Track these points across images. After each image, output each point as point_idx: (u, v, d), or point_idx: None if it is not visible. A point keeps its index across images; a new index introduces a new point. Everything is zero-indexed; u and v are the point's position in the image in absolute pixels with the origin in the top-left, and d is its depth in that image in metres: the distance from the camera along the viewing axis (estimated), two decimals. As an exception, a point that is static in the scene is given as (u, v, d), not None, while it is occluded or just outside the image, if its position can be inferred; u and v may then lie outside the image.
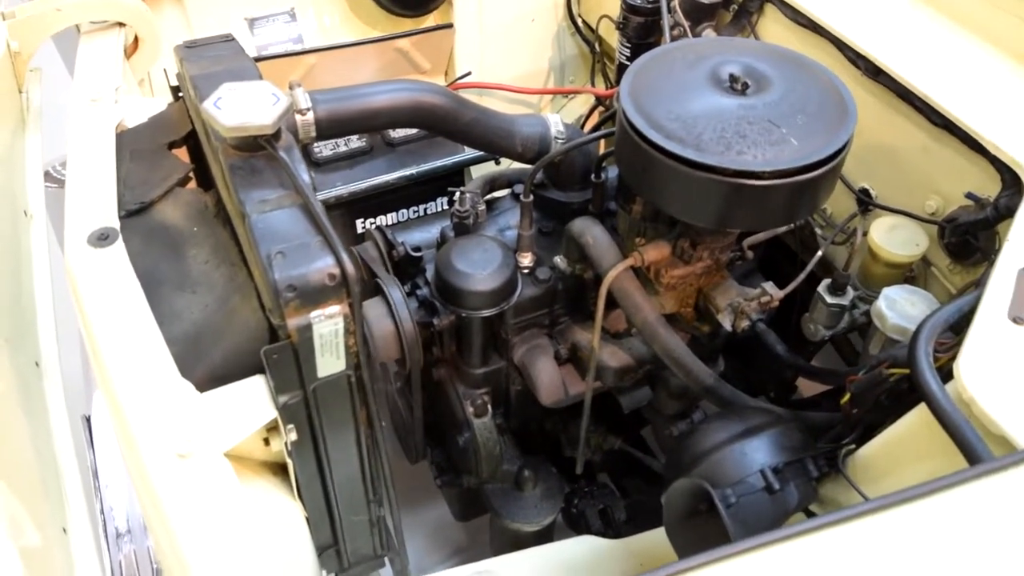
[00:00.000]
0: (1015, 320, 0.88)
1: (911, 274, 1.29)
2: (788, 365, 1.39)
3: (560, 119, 1.40)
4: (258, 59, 1.91)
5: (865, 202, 1.35)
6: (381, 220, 1.95)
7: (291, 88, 1.16)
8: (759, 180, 0.97)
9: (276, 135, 1.07)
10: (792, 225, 1.34)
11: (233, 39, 1.34)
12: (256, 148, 1.07)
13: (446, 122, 1.27)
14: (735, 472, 1.04)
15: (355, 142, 1.93)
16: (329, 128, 1.18)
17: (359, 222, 1.94)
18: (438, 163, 1.88)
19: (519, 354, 1.46)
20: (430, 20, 2.04)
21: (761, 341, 1.44)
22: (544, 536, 1.64)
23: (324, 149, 1.92)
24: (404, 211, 1.96)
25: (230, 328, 1.10)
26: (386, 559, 1.51)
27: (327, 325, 1.02)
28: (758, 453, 1.05)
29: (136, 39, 1.69)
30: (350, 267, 0.99)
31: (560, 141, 1.38)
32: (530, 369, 1.44)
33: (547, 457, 1.66)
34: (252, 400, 1.04)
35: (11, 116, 1.58)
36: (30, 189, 1.50)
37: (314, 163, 1.92)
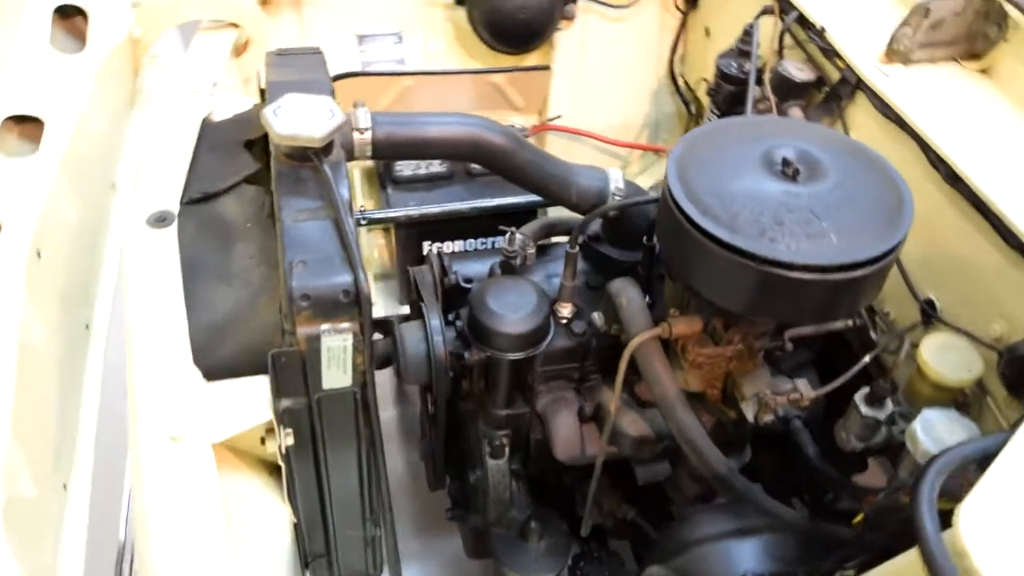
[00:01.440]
0: (1038, 472, 0.80)
1: (964, 399, 1.20)
2: (816, 469, 1.31)
3: (622, 176, 1.38)
4: (360, 74, 1.99)
5: (928, 314, 1.27)
6: (448, 246, 1.98)
7: (354, 107, 1.20)
8: (787, 271, 0.93)
9: (327, 149, 1.11)
10: (841, 323, 1.27)
11: (320, 52, 1.40)
12: (306, 159, 1.10)
13: (502, 160, 1.28)
14: (715, 570, 0.99)
15: (436, 166, 1.98)
16: (385, 150, 1.21)
17: (426, 244, 1.98)
18: (512, 200, 1.90)
19: (542, 403, 1.44)
20: (531, 59, 2.07)
21: (794, 440, 1.36)
22: (548, 590, 1.60)
23: (406, 169, 1.98)
24: (472, 241, 1.99)
25: (251, 325, 1.13)
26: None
27: (336, 339, 1.04)
28: (744, 556, 1.00)
29: (247, 41, 1.78)
30: (365, 288, 1.01)
31: (617, 198, 1.37)
32: (550, 421, 1.42)
33: (561, 513, 1.63)
34: (253, 398, 1.07)
35: (123, 96, 1.69)
36: (122, 164, 1.60)
37: (393, 180, 1.98)
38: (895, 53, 1.32)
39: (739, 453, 1.39)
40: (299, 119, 1.07)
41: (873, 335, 1.32)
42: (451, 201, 1.90)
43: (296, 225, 1.05)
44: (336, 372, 1.08)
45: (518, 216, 1.89)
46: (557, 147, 2.16)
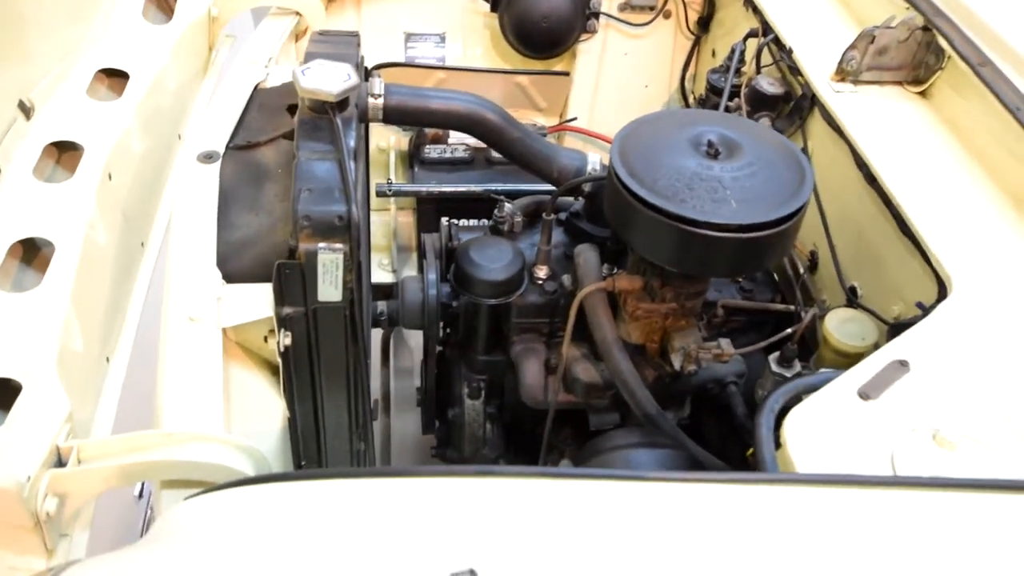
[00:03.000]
0: (861, 395, 0.99)
1: (869, 369, 1.36)
2: (741, 425, 1.49)
3: (600, 160, 1.59)
4: (402, 64, 2.25)
5: (850, 299, 1.44)
6: (463, 223, 2.22)
7: (371, 75, 1.45)
8: (692, 227, 1.13)
9: (342, 105, 1.36)
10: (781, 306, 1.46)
11: (356, 35, 1.66)
12: (323, 111, 1.35)
13: (495, 135, 1.51)
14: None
15: (460, 151, 2.23)
16: (393, 115, 1.45)
17: (444, 219, 2.21)
18: (524, 186, 2.12)
19: (515, 352, 1.65)
20: (554, 65, 2.30)
21: (727, 402, 1.54)
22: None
23: (432, 151, 2.23)
24: (485, 220, 2.22)
25: (267, 243, 1.38)
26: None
27: (329, 256, 1.28)
28: (641, 464, 1.19)
29: (307, 28, 2.07)
30: (356, 215, 1.25)
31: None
32: (519, 367, 1.63)
33: (531, 459, 1.83)
34: (261, 300, 1.31)
35: (197, 63, 1.99)
36: (189, 120, 1.89)
37: (421, 160, 2.23)
38: (844, 73, 1.51)
39: (678, 408, 1.57)
40: (321, 78, 1.32)
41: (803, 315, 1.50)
42: (469, 183, 2.14)
43: (308, 162, 1.30)
44: (329, 287, 1.32)
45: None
46: (572, 146, 2.38)
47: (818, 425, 0.95)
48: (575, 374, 1.55)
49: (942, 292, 1.16)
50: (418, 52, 2.33)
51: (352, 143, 1.34)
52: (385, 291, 2.31)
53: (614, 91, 2.33)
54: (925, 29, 1.47)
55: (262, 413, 1.46)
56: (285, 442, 1.50)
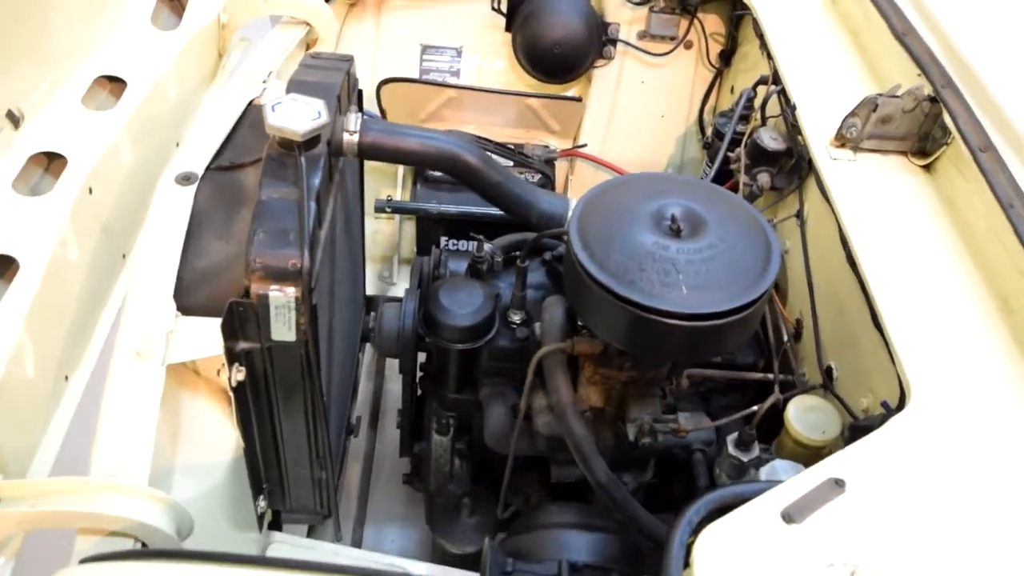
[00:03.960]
0: (785, 517, 0.93)
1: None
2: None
3: (580, 201, 1.54)
4: (412, 80, 2.22)
5: (825, 383, 1.38)
6: (463, 244, 2.20)
7: (350, 111, 1.42)
8: (636, 311, 1.09)
9: (310, 143, 1.33)
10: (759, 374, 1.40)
11: (351, 59, 1.63)
12: (291, 148, 1.33)
13: (474, 178, 1.47)
14: (543, 552, 1.15)
15: (464, 173, 2.19)
16: (369, 152, 1.43)
17: (444, 238, 2.19)
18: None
19: (483, 394, 1.62)
20: (568, 89, 2.24)
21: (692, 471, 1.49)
22: (472, 563, 1.78)
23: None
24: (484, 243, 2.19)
25: (226, 278, 1.37)
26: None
27: (281, 299, 1.26)
28: (572, 547, 1.15)
29: (316, 38, 2.05)
30: (307, 263, 1.23)
31: (573, 226, 1.53)
32: (485, 410, 1.60)
33: (497, 496, 1.80)
34: (213, 335, 1.31)
35: (204, 70, 1.99)
36: (190, 126, 1.90)
37: (424, 178, 2.20)
38: (844, 139, 1.42)
39: (639, 472, 1.53)
40: (290, 115, 1.30)
41: (776, 390, 1.43)
42: (468, 205, 2.11)
43: (269, 201, 1.28)
44: (282, 327, 1.30)
45: (521, 227, 2.08)
46: (584, 173, 2.33)
47: (731, 549, 0.90)
48: (537, 427, 1.51)
49: (903, 400, 1.09)
50: (434, 65, 2.30)
51: (317, 182, 1.32)
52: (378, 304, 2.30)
53: (629, 119, 2.27)
54: (933, 100, 1.38)
55: (215, 443, 1.46)
56: (239, 472, 1.51)
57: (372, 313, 1.72)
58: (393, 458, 2.28)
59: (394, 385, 2.47)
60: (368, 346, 2.24)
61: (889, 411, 1.16)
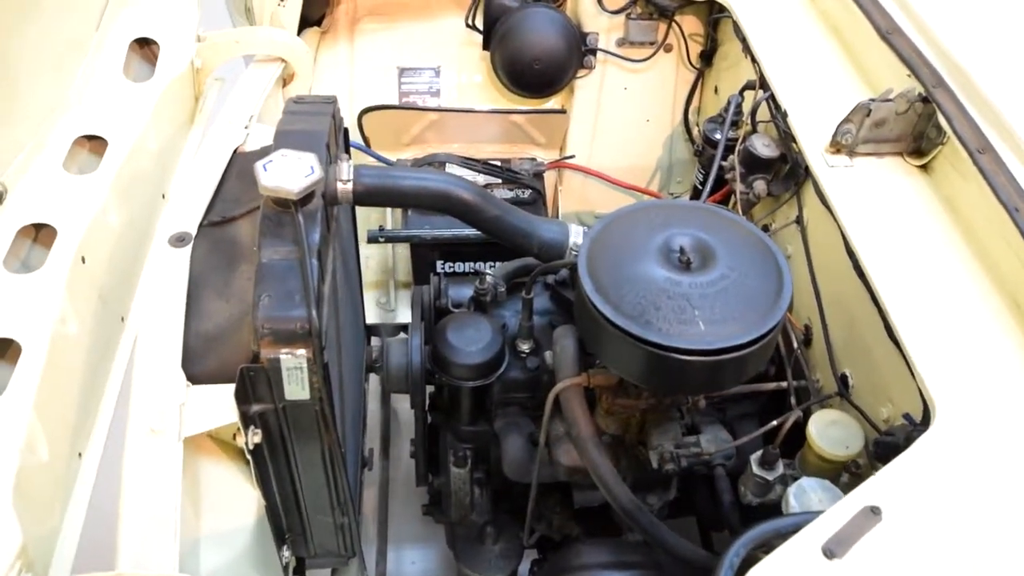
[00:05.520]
0: (826, 552, 0.93)
1: (856, 470, 1.30)
2: (725, 516, 1.44)
3: (582, 231, 1.53)
4: (394, 107, 2.20)
5: (840, 391, 1.38)
6: (459, 265, 2.18)
7: (340, 159, 1.40)
8: (657, 351, 1.08)
9: (306, 199, 1.31)
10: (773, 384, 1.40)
11: (334, 101, 1.61)
12: (288, 206, 1.31)
13: (471, 214, 1.46)
14: (581, 595, 1.14)
15: (454, 196, 2.17)
16: (365, 199, 1.41)
17: (439, 262, 2.18)
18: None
19: (499, 425, 1.62)
20: (551, 102, 2.23)
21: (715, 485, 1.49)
22: (500, 591, 1.79)
23: (426, 195, 2.17)
24: (481, 263, 2.18)
25: (232, 342, 1.36)
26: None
27: (292, 362, 1.25)
28: (608, 586, 1.15)
29: (293, 73, 2.02)
30: (316, 323, 1.21)
31: (574, 253, 1.52)
32: (502, 441, 1.60)
33: (520, 521, 1.80)
34: (226, 402, 1.29)
35: (182, 116, 1.96)
36: (175, 176, 1.86)
37: (415, 204, 2.18)
38: (840, 146, 1.42)
39: (662, 491, 1.53)
40: (283, 174, 1.28)
41: (793, 400, 1.44)
42: (462, 227, 2.08)
43: (270, 263, 1.26)
44: (295, 387, 1.29)
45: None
46: (573, 183, 2.32)
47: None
48: (557, 457, 1.51)
49: (926, 415, 1.10)
50: (413, 87, 2.27)
51: (316, 238, 1.30)
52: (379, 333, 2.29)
53: (614, 126, 2.25)
54: (925, 100, 1.38)
55: (236, 503, 1.45)
56: (263, 531, 1.50)
57: (374, 340, 1.71)
58: (407, 479, 2.27)
59: (401, 406, 2.46)
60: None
61: (914, 425, 1.16)
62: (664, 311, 1.09)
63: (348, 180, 1.40)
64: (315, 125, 1.51)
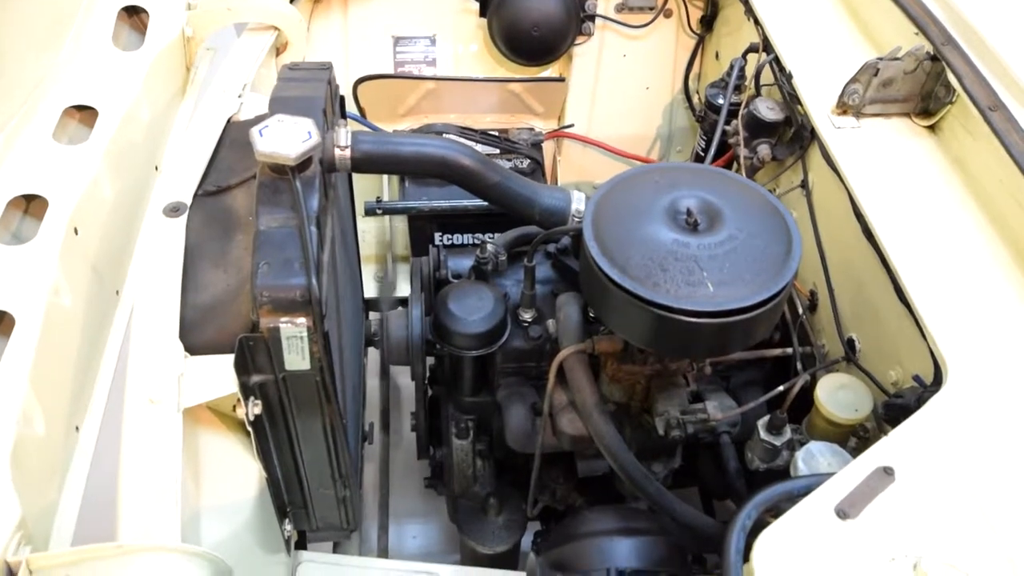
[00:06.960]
0: (839, 513, 0.92)
1: (864, 433, 1.29)
2: (730, 483, 1.43)
3: (584, 197, 1.51)
4: (389, 76, 2.16)
5: (848, 355, 1.36)
6: (457, 237, 2.16)
7: (337, 125, 1.37)
8: (665, 312, 1.06)
9: (303, 165, 1.29)
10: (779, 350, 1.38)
11: (330, 67, 1.57)
12: (284, 172, 1.29)
13: (471, 180, 1.43)
14: (588, 562, 1.13)
15: (452, 166, 2.14)
16: (363, 165, 1.38)
17: (438, 234, 2.15)
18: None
19: (501, 395, 1.60)
20: (549, 70, 2.19)
21: (721, 452, 1.48)
22: (503, 562, 1.78)
23: (423, 166, 2.14)
24: (479, 234, 2.15)
25: (230, 312, 1.33)
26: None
27: (292, 331, 1.23)
28: (618, 553, 1.14)
29: (286, 42, 1.97)
30: (316, 291, 1.19)
31: (576, 219, 1.50)
32: (505, 412, 1.58)
33: (522, 492, 1.79)
34: (224, 372, 1.27)
35: (173, 87, 1.92)
36: (167, 148, 1.83)
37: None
38: (846, 107, 1.39)
39: (667, 459, 1.52)
40: (279, 139, 1.25)
41: (799, 366, 1.42)
42: (460, 199, 2.06)
43: (268, 230, 1.24)
44: (295, 357, 1.27)
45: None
46: (572, 153, 2.29)
47: (791, 551, 0.89)
48: (561, 426, 1.49)
49: (937, 376, 1.08)
50: (408, 56, 2.23)
51: (315, 204, 1.27)
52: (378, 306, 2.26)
53: (613, 94, 2.22)
54: (933, 59, 1.35)
55: (237, 475, 1.43)
56: (264, 504, 1.48)
57: (372, 314, 1.69)
58: (407, 454, 2.26)
59: (400, 380, 2.45)
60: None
61: (924, 387, 1.15)
62: (672, 273, 1.07)
63: (346, 146, 1.37)
64: (311, 91, 1.48)
